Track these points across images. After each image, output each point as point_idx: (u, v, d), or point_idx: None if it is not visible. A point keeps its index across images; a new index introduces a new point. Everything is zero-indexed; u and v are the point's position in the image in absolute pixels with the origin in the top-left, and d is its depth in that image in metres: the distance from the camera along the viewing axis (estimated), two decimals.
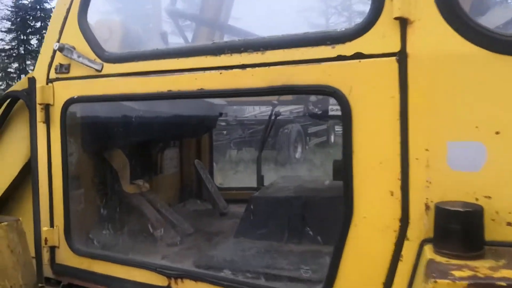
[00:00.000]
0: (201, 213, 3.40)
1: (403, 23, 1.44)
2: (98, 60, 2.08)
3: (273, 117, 3.15)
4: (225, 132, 12.49)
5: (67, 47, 2.12)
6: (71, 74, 2.17)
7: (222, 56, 1.76)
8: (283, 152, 12.59)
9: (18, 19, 27.21)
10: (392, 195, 1.45)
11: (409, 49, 1.43)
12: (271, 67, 1.65)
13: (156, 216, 2.61)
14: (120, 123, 2.70)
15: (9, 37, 28.30)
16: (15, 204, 2.53)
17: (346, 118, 1.52)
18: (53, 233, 2.24)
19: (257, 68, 1.68)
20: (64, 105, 2.17)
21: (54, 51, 2.19)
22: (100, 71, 2.06)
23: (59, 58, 2.19)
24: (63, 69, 2.18)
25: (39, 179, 2.28)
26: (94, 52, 2.10)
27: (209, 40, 3.29)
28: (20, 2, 27.40)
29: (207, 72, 1.79)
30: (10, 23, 27.52)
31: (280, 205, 2.58)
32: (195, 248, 2.52)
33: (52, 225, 2.25)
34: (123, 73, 2.00)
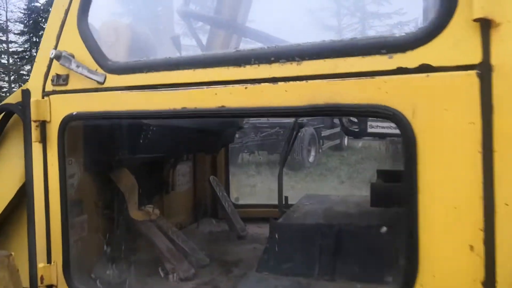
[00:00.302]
0: (217, 235, 3.09)
1: (486, 26, 1.11)
2: (101, 71, 1.78)
3: (295, 131, 2.83)
4: (237, 135, 12.22)
5: (65, 55, 1.82)
6: (70, 87, 1.88)
7: (248, 67, 1.45)
8: (297, 156, 12.29)
9: (31, 22, 27.34)
10: (472, 250, 1.12)
11: (494, 60, 1.10)
12: (310, 82, 1.33)
13: (168, 246, 2.30)
14: (128, 138, 2.40)
15: (21, 39, 28.46)
16: (12, 229, 2.25)
17: (408, 148, 1.19)
18: (51, 270, 1.94)
19: (291, 83, 1.36)
20: (62, 122, 1.87)
21: (51, 60, 1.90)
22: (103, 83, 1.76)
23: (56, 68, 1.89)
24: (61, 80, 1.88)
25: (35, 207, 1.99)
26: (95, 61, 1.80)
27: (226, 44, 2.99)
28: (32, 4, 27.53)
29: (230, 86, 1.47)
30: (22, 25, 27.68)
31: (309, 234, 2.25)
32: (211, 284, 2.20)
33: (49, 260, 1.95)
34: (129, 86, 1.70)
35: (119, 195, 2.46)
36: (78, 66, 1.79)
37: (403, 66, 1.20)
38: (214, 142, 2.91)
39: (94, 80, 1.76)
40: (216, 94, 1.50)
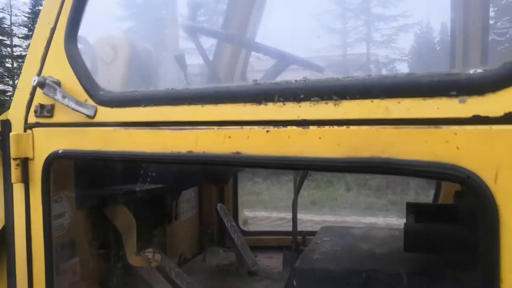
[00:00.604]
0: (225, 269, 2.80)
1: None
2: (91, 102, 1.49)
3: None
4: None
5: (49, 82, 1.54)
6: (55, 119, 1.59)
7: (270, 104, 1.16)
8: None
9: (35, 25, 27.20)
10: None
11: None
12: (352, 128, 1.04)
13: None
14: (125, 171, 2.12)
15: (26, 43, 28.32)
16: None
17: (487, 223, 0.90)
18: None
19: (327, 128, 1.07)
20: (46, 160, 1.59)
21: (34, 87, 1.62)
22: (93, 117, 1.48)
23: (41, 97, 1.61)
24: (45, 111, 1.60)
25: (15, 255, 1.71)
26: (85, 90, 1.51)
27: (233, 59, 2.70)
28: (37, 8, 27.40)
29: (247, 128, 1.18)
30: (27, 29, 27.56)
31: (333, 281, 1.95)
32: None
33: None
34: (124, 123, 1.41)
35: (116, 232, 2.18)
36: (64, 97, 1.51)
37: (482, 114, 0.90)
38: (223, 172, 2.62)
39: (83, 113, 1.47)
40: (229, 137, 1.21)
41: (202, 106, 1.27)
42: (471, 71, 0.93)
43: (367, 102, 1.03)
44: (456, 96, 0.93)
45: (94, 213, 2.12)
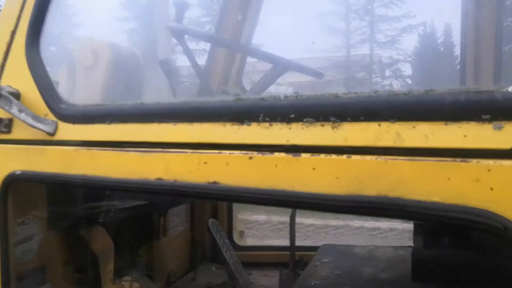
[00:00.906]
0: None
1: None
2: (51, 117, 1.29)
3: None
4: None
5: (5, 94, 1.33)
6: (14, 135, 1.39)
7: (254, 125, 0.95)
8: None
9: None
10: None
11: None
12: (355, 158, 0.83)
13: None
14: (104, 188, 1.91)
15: None
16: None
17: None
18: None
19: (324, 157, 0.86)
20: (3, 183, 1.38)
21: None
22: (53, 134, 1.27)
23: None
24: (2, 126, 1.39)
25: None
26: (46, 102, 1.31)
27: (227, 65, 2.49)
28: None
29: (226, 152, 0.97)
30: None
31: None
32: None
33: None
34: (86, 142, 1.20)
35: (94, 254, 1.97)
36: (20, 111, 1.30)
37: None
38: None
39: (41, 130, 1.27)
40: (205, 163, 1.00)
41: (175, 125, 1.06)
42: (510, 89, 0.72)
43: (373, 126, 0.82)
44: (490, 120, 0.72)
45: (69, 234, 1.91)
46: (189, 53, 2.09)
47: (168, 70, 1.96)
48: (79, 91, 1.96)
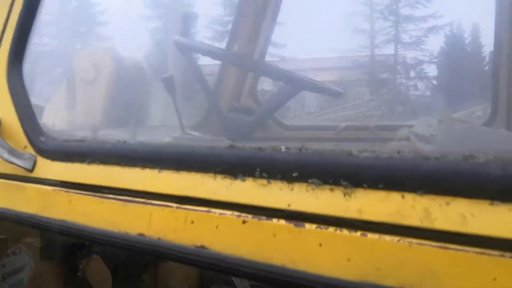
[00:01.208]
0: None
1: None
2: (30, 150, 1.15)
3: None
4: None
5: None
6: None
7: (250, 181, 0.78)
8: None
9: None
10: None
11: None
12: (371, 237, 0.65)
13: None
14: None
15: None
16: None
17: None
18: None
19: (333, 230, 0.69)
20: None
21: None
22: (31, 170, 1.13)
23: None
24: None
25: None
26: (25, 133, 1.17)
27: (238, 86, 2.33)
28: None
29: (215, 212, 0.81)
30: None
31: None
32: None
33: None
34: (65, 183, 1.06)
35: (90, 285, 1.85)
36: None
37: None
38: None
39: (18, 165, 1.13)
40: (192, 222, 0.84)
41: (159, 172, 0.90)
42: None
43: (395, 197, 0.64)
44: None
45: (64, 263, 1.79)
46: (197, 71, 1.93)
47: (171, 87, 1.81)
48: (77, 108, 1.83)
